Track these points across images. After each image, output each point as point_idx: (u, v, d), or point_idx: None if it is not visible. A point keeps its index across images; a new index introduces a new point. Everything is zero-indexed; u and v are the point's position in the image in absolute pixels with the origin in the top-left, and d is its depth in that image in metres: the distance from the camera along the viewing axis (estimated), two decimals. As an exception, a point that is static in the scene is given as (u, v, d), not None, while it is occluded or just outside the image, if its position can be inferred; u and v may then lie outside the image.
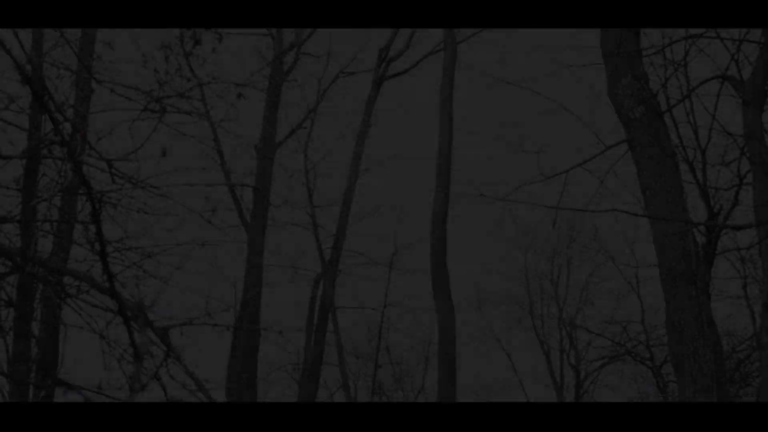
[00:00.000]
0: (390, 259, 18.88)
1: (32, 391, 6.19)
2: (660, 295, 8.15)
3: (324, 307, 15.79)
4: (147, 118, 5.75)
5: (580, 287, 26.52)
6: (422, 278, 17.74)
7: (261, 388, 23.25)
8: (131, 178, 5.83)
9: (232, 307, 14.81)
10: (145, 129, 6.03)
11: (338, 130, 18.89)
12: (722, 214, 12.51)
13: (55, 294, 5.43)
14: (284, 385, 25.73)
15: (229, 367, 15.77)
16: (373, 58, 16.63)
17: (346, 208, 16.09)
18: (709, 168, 12.99)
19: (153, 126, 5.38)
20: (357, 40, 20.14)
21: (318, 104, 16.49)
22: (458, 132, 14.46)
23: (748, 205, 12.13)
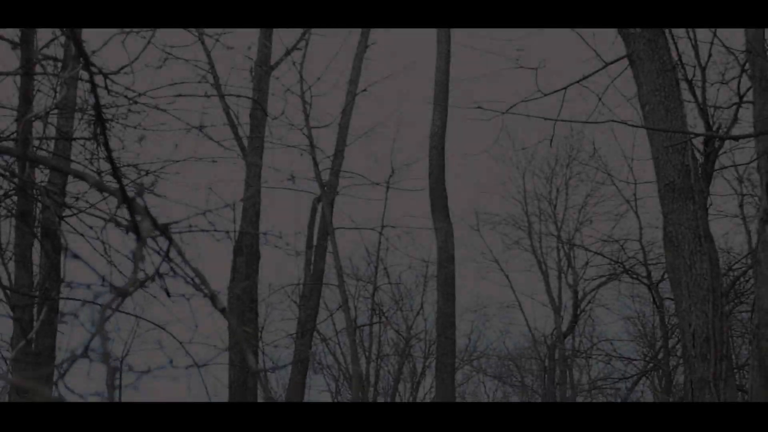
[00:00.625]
0: (387, 179, 18.86)
1: (36, 309, 6.26)
2: (657, 214, 8.20)
3: (323, 228, 15.87)
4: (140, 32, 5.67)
5: (578, 208, 26.68)
6: (421, 199, 17.79)
7: (262, 310, 23.58)
8: (128, 91, 5.78)
9: (231, 229, 14.88)
10: (139, 45, 5.96)
11: (335, 50, 18.63)
12: (721, 131, 12.47)
13: (55, 208, 5.43)
14: (284, 307, 26.07)
15: (229, 289, 15.96)
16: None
17: (343, 128, 16.02)
18: (708, 87, 12.88)
19: (146, 41, 5.30)
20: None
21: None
22: (456, 50, 14.30)
23: (747, 122, 12.08)
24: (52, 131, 6.31)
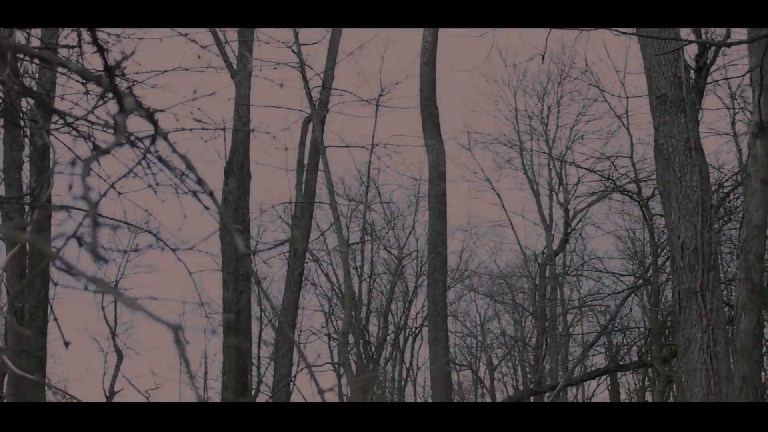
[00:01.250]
0: (377, 97, 18.68)
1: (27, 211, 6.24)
2: (649, 130, 8.16)
3: (314, 147, 15.81)
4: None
5: (570, 126, 26.61)
6: (411, 118, 17.68)
7: (254, 231, 23.68)
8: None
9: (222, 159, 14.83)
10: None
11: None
12: (714, 48, 12.35)
13: (43, 114, 5.35)
14: (276, 227, 26.18)
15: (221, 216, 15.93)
16: None
17: (333, 46, 15.80)
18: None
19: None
20: None
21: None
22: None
23: (741, 33, 11.94)
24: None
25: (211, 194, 1.40)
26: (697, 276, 6.89)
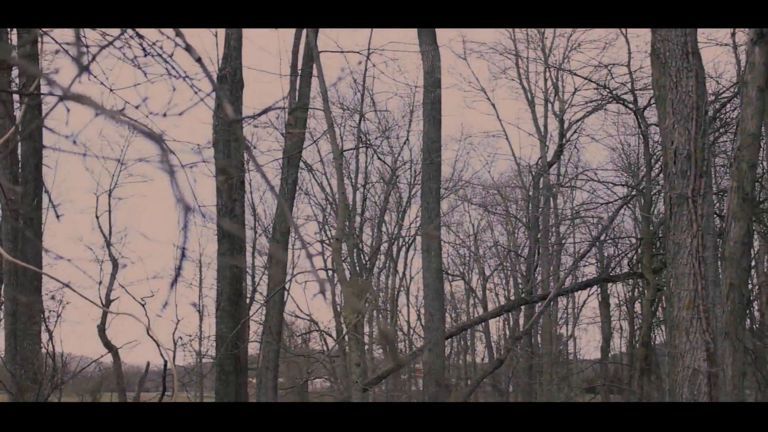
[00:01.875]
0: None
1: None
2: (647, 38, 8.02)
3: (307, 53, 15.56)
4: None
5: (567, 35, 26.18)
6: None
7: (247, 134, 23.51)
8: None
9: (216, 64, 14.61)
10: None
11: None
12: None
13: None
14: (269, 135, 26.01)
15: (214, 117, 15.87)
16: None
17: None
18: None
19: None
20: None
21: None
22: None
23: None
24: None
25: (198, 60, 1.37)
26: (689, 181, 6.89)
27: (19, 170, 14.28)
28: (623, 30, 20.83)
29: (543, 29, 26.28)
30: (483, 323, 35.49)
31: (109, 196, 32.81)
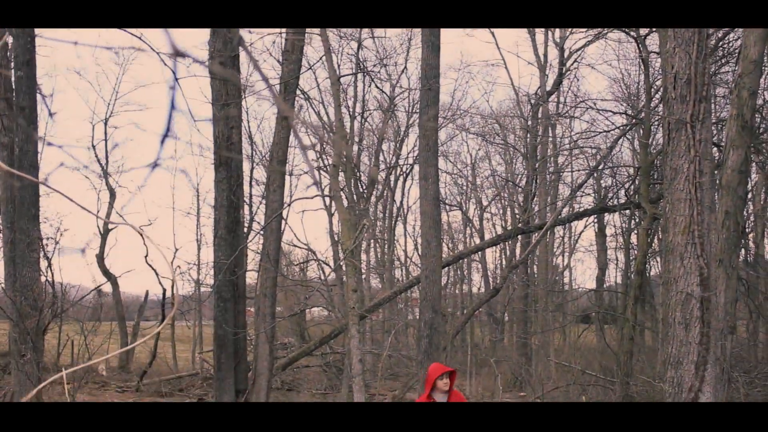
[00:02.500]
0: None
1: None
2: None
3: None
4: None
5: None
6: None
7: (243, 69, 23.28)
8: None
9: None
10: None
11: None
12: None
13: None
14: (265, 63, 25.74)
15: (209, 43, 15.67)
16: None
17: None
18: None
19: None
20: None
21: None
22: None
23: None
24: None
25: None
26: (688, 106, 6.83)
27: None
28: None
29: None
30: (479, 253, 35.72)
31: (105, 125, 32.60)
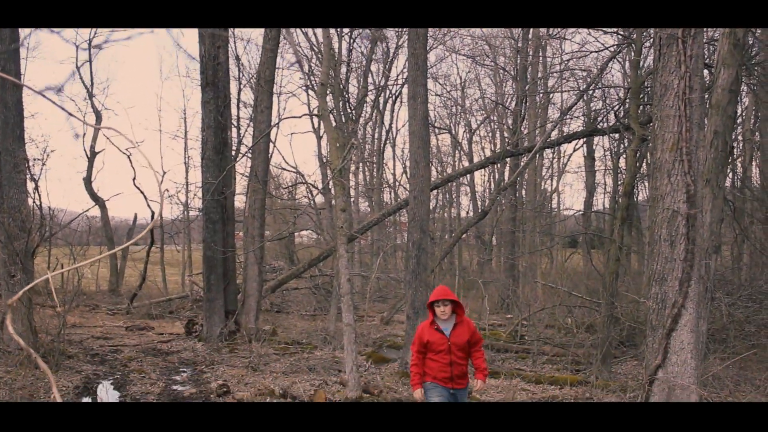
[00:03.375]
0: None
1: None
2: None
3: None
4: None
5: None
6: None
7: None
8: None
9: None
10: None
11: None
12: None
13: None
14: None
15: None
16: None
17: None
18: None
19: None
20: None
21: None
22: None
23: None
24: None
25: None
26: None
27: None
28: None
29: None
30: (468, 176, 35.75)
31: (89, 46, 32.01)
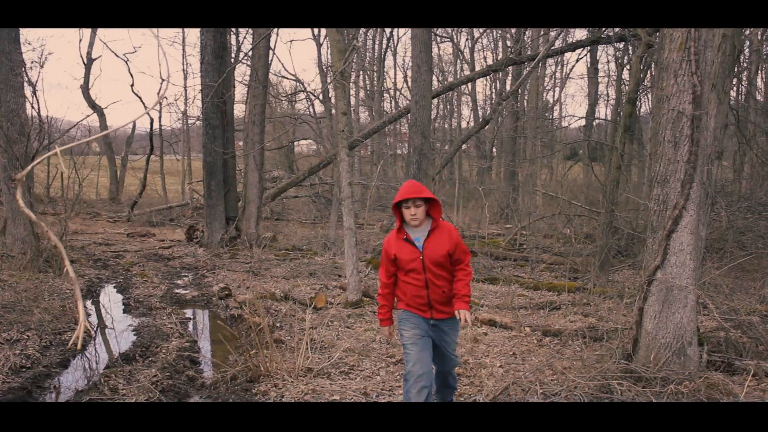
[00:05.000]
0: None
1: None
2: None
3: None
4: None
5: None
6: None
7: None
8: None
9: None
10: None
11: None
12: None
13: None
14: None
15: None
16: None
17: None
18: None
19: None
20: None
21: None
22: None
23: None
24: None
25: None
26: None
27: None
28: None
29: None
30: (470, 85, 35.36)
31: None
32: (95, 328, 10.27)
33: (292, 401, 6.58)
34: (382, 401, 5.18)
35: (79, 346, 2.86)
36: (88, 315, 10.79)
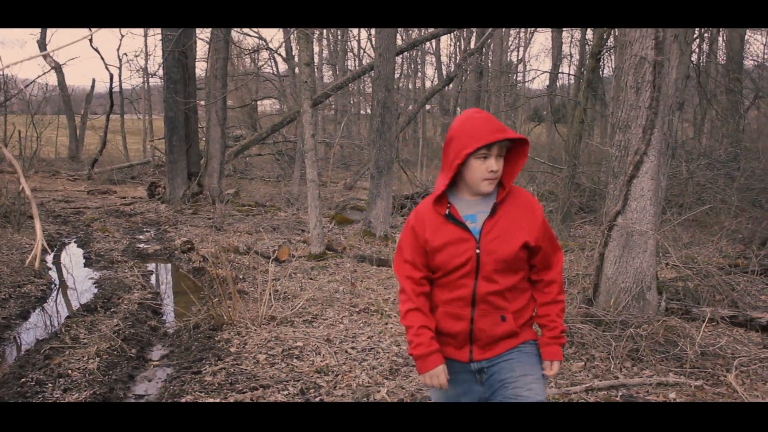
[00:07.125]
0: None
1: None
2: None
3: None
4: None
5: None
6: None
7: None
8: None
9: None
10: None
11: None
12: None
13: None
14: None
15: None
16: None
17: None
18: None
19: None
20: None
21: None
22: None
23: None
24: None
25: None
26: None
27: None
28: None
29: None
30: (434, 42, 35.17)
31: None
32: (50, 255, 10.18)
33: (259, 350, 6.56)
34: (383, 401, 5.18)
35: (36, 265, 2.81)
36: (48, 269, 10.66)
